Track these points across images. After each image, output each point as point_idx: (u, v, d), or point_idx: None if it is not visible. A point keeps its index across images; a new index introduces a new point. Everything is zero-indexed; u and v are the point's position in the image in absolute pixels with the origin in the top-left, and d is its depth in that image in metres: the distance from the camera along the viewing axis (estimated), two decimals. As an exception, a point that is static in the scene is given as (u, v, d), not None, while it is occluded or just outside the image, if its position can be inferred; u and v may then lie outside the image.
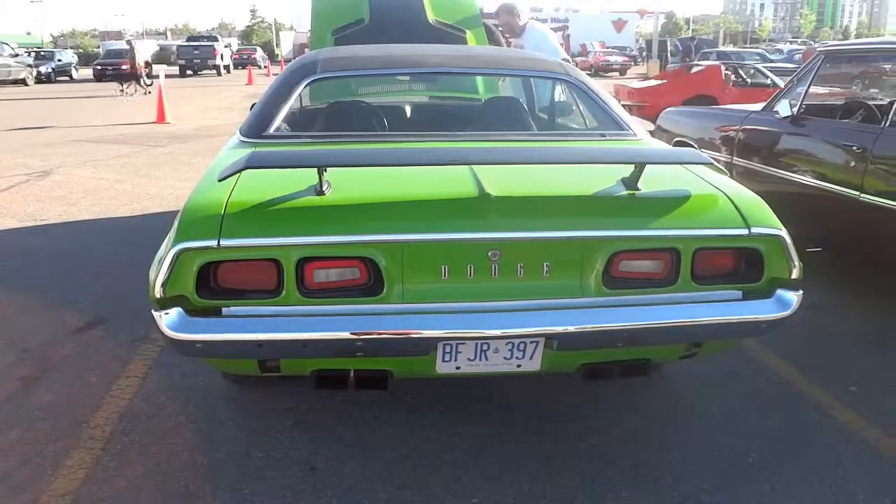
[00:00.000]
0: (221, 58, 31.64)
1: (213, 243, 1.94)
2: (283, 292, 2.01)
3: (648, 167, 2.19)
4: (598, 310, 2.10)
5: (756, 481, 2.39)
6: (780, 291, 2.18)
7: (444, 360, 2.14)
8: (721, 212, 2.17)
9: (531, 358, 2.17)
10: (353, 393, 2.38)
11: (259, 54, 39.58)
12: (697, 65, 13.75)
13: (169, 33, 72.97)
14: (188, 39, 36.05)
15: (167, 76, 15.80)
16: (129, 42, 22.67)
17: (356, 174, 2.23)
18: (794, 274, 2.19)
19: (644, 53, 41.21)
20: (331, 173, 2.10)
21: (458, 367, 2.17)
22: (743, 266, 2.20)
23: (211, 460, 2.50)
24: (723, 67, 12.04)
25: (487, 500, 2.29)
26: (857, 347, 3.44)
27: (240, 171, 2.04)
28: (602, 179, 2.25)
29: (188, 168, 8.40)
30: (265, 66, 34.84)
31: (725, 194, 2.24)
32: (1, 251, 5.07)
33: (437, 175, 2.25)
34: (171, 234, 2.07)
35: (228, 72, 33.97)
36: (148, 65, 27.77)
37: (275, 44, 56.62)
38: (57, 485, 2.35)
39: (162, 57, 35.58)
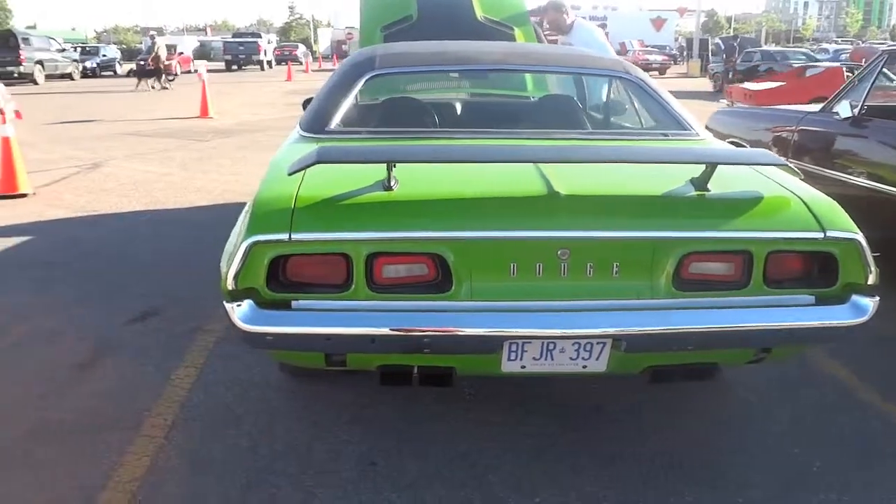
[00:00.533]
0: (265, 53, 33.56)
1: (285, 237, 1.96)
2: (353, 287, 2.02)
3: (718, 168, 2.15)
4: (669, 311, 2.07)
5: (821, 490, 2.34)
6: (855, 297, 2.13)
7: (509, 359, 2.13)
8: (795, 214, 2.13)
9: (597, 359, 2.15)
10: (414, 389, 2.37)
11: (301, 50, 40.14)
12: (814, 66, 13.56)
13: (208, 29, 74.18)
14: (234, 36, 38.44)
15: (210, 71, 15.99)
16: (151, 37, 22.90)
17: (422, 171, 2.23)
18: (871, 279, 2.13)
19: (685, 52, 40.71)
20: (396, 169, 2.10)
21: (523, 367, 2.16)
22: (817, 270, 2.16)
23: (272, 452, 2.52)
24: (844, 69, 11.90)
25: (549, 500, 2.28)
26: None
27: (310, 165, 2.04)
28: (671, 180, 2.22)
29: (234, 163, 8.50)
30: (304, 62, 35.09)
31: (799, 197, 2.19)
32: (54, 242, 5.19)
33: (503, 172, 2.24)
34: (242, 227, 2.09)
35: (271, 67, 35.69)
36: (189, 60, 28.14)
37: (312, 40, 57.04)
38: (122, 472, 2.39)
39: (202, 53, 36.38)
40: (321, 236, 1.99)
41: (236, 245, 2.02)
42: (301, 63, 37.26)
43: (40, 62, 24.31)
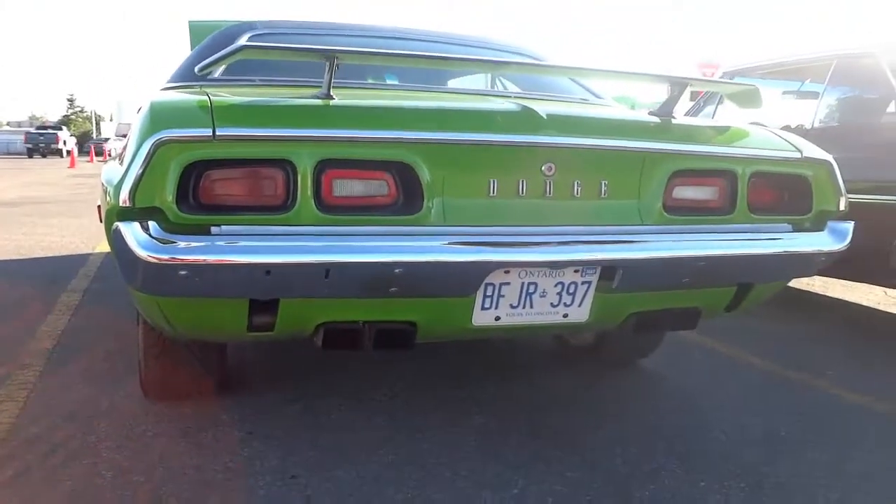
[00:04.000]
0: (64, 143, 36.84)
1: (207, 133, 1.44)
2: (296, 206, 1.53)
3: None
4: (664, 236, 1.80)
5: (799, 452, 2.13)
6: (831, 223, 2.02)
7: (483, 308, 1.74)
8: (773, 139, 2.06)
9: (580, 304, 1.82)
10: (309, 404, 1.89)
11: (111, 144, 39.21)
12: None
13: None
14: (37, 128, 42.61)
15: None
16: None
17: (362, 95, 1.83)
18: (842, 205, 2.04)
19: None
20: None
21: (497, 318, 1.77)
22: (793, 197, 2.02)
23: (148, 478, 1.86)
24: None
25: (530, 488, 1.85)
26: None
27: (233, 53, 1.56)
28: (642, 113, 2.06)
29: (22, 225, 7.33)
30: (89, 152, 33.16)
31: (769, 130, 2.12)
32: None
33: (467, 98, 1.91)
34: (133, 136, 1.54)
35: (70, 155, 36.16)
36: None
37: (94, 134, 53.38)
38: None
39: None
40: (258, 133, 1.49)
41: (132, 153, 1.47)
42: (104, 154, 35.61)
43: None
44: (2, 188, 12.84)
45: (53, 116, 69.89)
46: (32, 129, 42.37)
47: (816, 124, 3.79)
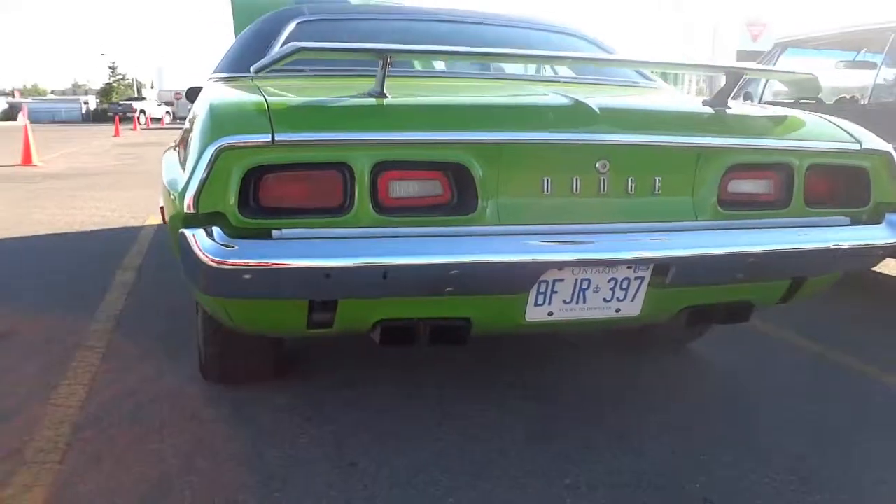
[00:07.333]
0: (138, 112, 39.72)
1: (266, 138, 1.48)
2: (353, 209, 1.56)
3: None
4: (718, 232, 1.79)
5: (850, 442, 2.12)
6: (889, 216, 1.97)
7: (536, 304, 1.75)
8: (830, 129, 2.01)
9: (633, 299, 1.82)
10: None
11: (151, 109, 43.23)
12: None
13: (16, 93, 69.03)
14: (124, 100, 47.64)
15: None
16: None
17: (413, 88, 1.84)
18: None
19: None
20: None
21: (550, 314, 1.79)
22: (851, 189, 1.98)
23: (212, 464, 1.94)
24: None
25: (580, 480, 1.88)
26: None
27: (288, 55, 1.58)
28: (696, 103, 2.02)
29: (73, 199, 7.52)
30: (133, 121, 33.67)
31: (828, 119, 2.06)
32: None
33: (518, 91, 1.91)
34: (195, 139, 1.58)
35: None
36: None
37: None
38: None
39: (10, 114, 35.47)
40: (315, 137, 1.52)
41: (195, 158, 1.51)
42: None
43: None
44: (49, 159, 13.13)
45: (96, 84, 71.12)
46: (117, 102, 47.74)
47: (873, 99, 3.68)
